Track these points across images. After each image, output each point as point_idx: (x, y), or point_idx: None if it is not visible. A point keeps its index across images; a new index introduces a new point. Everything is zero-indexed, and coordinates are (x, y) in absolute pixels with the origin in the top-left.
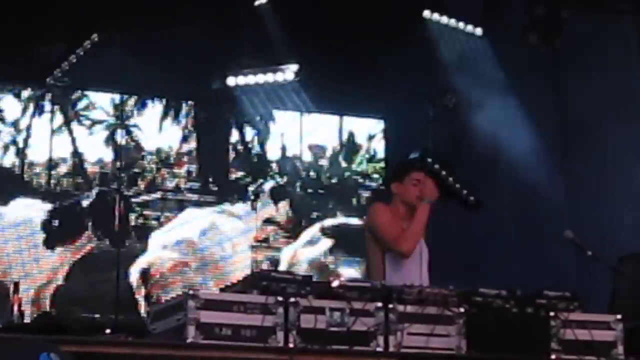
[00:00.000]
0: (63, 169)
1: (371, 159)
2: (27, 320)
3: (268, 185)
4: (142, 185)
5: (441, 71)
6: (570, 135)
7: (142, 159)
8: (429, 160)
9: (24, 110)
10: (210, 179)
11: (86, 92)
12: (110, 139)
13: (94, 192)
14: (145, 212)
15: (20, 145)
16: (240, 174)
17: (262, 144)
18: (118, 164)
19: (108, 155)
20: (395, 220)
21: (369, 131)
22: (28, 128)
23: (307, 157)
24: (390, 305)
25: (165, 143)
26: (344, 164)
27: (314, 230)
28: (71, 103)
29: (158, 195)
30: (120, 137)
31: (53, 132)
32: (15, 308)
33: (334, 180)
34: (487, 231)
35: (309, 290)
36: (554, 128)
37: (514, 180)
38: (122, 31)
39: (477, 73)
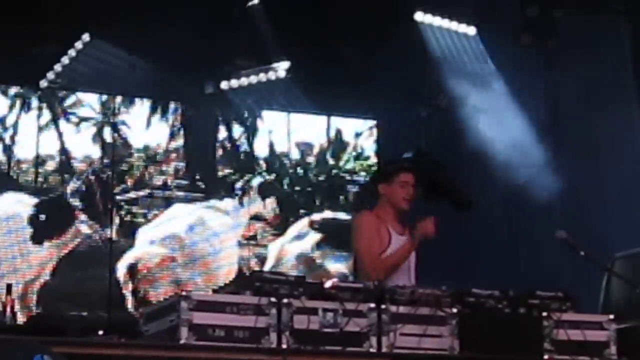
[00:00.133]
0: (50, 166)
1: (358, 157)
2: (17, 318)
3: (256, 181)
4: (129, 182)
5: (433, 71)
6: (563, 135)
7: (129, 156)
8: (422, 159)
9: (11, 107)
10: (198, 176)
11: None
12: (98, 136)
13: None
14: (133, 210)
15: (7, 142)
16: (227, 171)
17: (249, 141)
18: (105, 160)
19: (96, 152)
20: (378, 230)
21: (356, 129)
22: (15, 125)
23: (295, 154)
24: (383, 306)
25: (152, 140)
26: (331, 162)
27: (301, 224)
28: (58, 100)
29: (146, 192)
30: (108, 134)
31: (40, 129)
32: (8, 310)
33: (321, 178)
34: (480, 231)
35: (302, 291)
36: (547, 127)
37: (507, 180)
38: (113, 31)
39: (470, 72)
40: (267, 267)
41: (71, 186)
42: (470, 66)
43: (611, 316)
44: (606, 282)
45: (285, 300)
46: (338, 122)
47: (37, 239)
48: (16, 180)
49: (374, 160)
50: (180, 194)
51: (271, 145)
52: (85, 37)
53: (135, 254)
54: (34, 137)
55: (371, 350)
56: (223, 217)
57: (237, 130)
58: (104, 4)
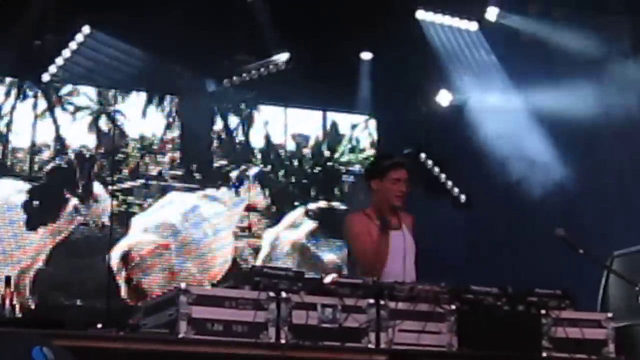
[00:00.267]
0: (46, 154)
1: (354, 149)
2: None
3: (252, 171)
4: (125, 171)
5: (434, 67)
6: (562, 132)
7: (125, 145)
8: (422, 156)
9: (7, 95)
10: (194, 167)
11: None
12: (94, 126)
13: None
14: (129, 199)
15: (3, 130)
16: (222, 162)
17: (245, 132)
18: (101, 150)
19: (91, 141)
20: (368, 230)
21: (352, 121)
22: (11, 113)
23: (291, 146)
24: (382, 302)
25: (149, 130)
26: (327, 154)
27: (297, 213)
28: (55, 89)
29: (141, 182)
30: (104, 124)
31: (36, 117)
32: (7, 302)
33: (316, 170)
34: (479, 229)
35: (301, 287)
36: (547, 124)
37: (506, 177)
38: (112, 24)
39: (470, 68)
40: (261, 255)
41: (52, 165)
42: (469, 62)
43: (609, 314)
44: (605, 280)
45: (284, 295)
46: (335, 117)
47: (31, 225)
48: (12, 168)
49: (369, 152)
50: (176, 184)
51: (267, 137)
52: (86, 29)
53: (129, 242)
54: (29, 126)
55: (370, 346)
56: (217, 205)
57: (233, 121)
58: None
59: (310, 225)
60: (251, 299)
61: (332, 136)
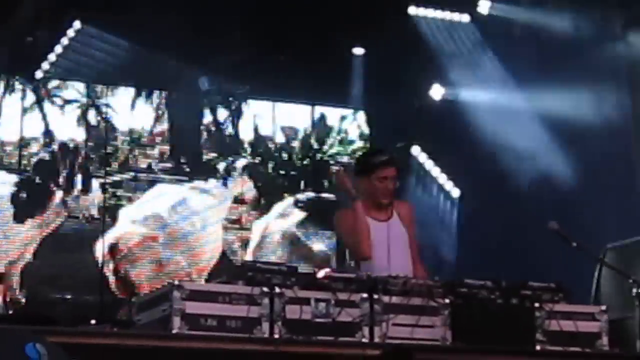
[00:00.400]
0: (34, 148)
1: (342, 141)
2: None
3: (240, 162)
4: (114, 165)
5: (426, 61)
6: (555, 127)
7: (114, 139)
8: (412, 152)
9: None
10: (183, 160)
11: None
12: (82, 119)
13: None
14: (118, 193)
15: None
16: (212, 155)
17: (234, 125)
18: (91, 143)
19: (80, 134)
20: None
21: (341, 113)
22: None
23: (280, 138)
24: (376, 296)
25: (137, 123)
26: (315, 146)
27: (286, 203)
28: (42, 82)
29: (131, 174)
30: (93, 117)
31: (24, 110)
32: (0, 299)
33: (305, 162)
34: (471, 222)
35: (295, 281)
36: (539, 119)
37: (499, 171)
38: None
39: (462, 61)
40: (252, 244)
41: (37, 157)
42: (462, 55)
43: (603, 307)
44: (598, 273)
45: (277, 290)
46: (324, 109)
47: (18, 217)
48: (0, 161)
49: (358, 144)
50: (165, 177)
51: (256, 129)
52: (77, 24)
53: (116, 234)
54: (18, 119)
55: (363, 340)
56: (206, 197)
57: (223, 114)
58: None
59: (299, 215)
60: (244, 294)
61: (321, 128)
